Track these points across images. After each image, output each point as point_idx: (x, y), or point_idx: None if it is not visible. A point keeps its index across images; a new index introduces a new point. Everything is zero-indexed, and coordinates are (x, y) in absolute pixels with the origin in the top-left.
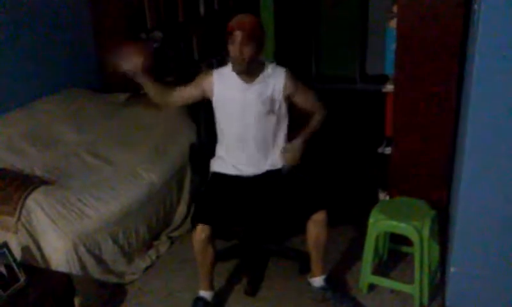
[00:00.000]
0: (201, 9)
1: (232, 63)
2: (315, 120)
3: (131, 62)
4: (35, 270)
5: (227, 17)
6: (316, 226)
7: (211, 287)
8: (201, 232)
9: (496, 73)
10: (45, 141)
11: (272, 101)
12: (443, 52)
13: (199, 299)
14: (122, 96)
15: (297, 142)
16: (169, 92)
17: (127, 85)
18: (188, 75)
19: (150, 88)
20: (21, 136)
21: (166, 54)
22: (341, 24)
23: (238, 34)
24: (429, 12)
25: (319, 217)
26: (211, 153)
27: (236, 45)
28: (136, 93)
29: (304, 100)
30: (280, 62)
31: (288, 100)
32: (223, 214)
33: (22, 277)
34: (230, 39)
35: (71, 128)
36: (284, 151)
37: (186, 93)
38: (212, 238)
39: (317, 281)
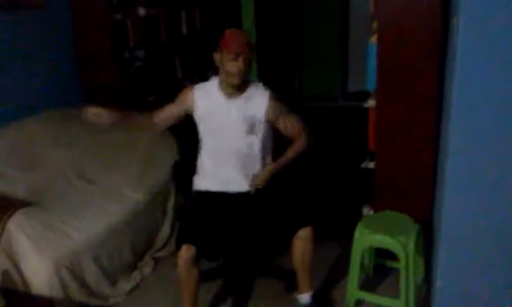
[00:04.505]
0: (184, 29)
1: (230, 77)
2: (293, 150)
3: (97, 119)
4: (15, 294)
5: (209, 37)
6: (301, 243)
7: None
8: (186, 252)
9: (476, 88)
10: (28, 161)
11: (253, 121)
12: (423, 67)
13: None
14: None
15: (266, 170)
16: (147, 119)
17: (109, 104)
18: (170, 95)
19: (123, 125)
20: (3, 157)
21: (148, 73)
22: (322, 44)
23: (242, 54)
24: (408, 27)
25: (304, 234)
26: (194, 170)
27: (239, 62)
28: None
29: (286, 126)
30: (263, 82)
31: (271, 124)
32: (208, 233)
33: (2, 303)
34: (233, 58)
35: (54, 148)
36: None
37: (169, 113)
38: (196, 259)
39: (304, 298)
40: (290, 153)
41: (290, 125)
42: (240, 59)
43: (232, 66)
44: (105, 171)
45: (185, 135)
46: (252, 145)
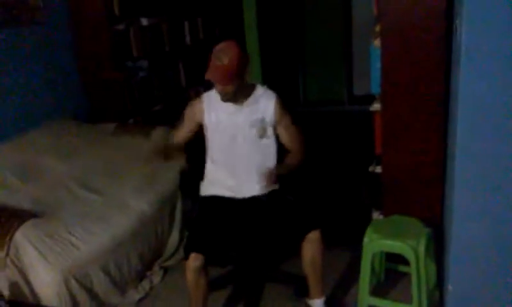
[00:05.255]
0: (187, 38)
1: (219, 95)
2: (289, 160)
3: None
4: (25, 306)
5: (212, 45)
6: (311, 246)
7: None
8: (194, 261)
9: (481, 88)
10: (33, 173)
11: (263, 124)
12: (428, 68)
13: None
14: (109, 126)
15: (272, 171)
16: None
17: (113, 114)
18: (176, 103)
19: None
20: (8, 170)
21: (152, 82)
22: (326, 48)
23: (217, 81)
24: (411, 29)
25: (313, 237)
26: (201, 177)
27: (218, 85)
28: (123, 123)
29: (286, 133)
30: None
31: (274, 127)
32: (216, 240)
33: None
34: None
35: (59, 159)
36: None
37: (186, 132)
38: (205, 268)
39: (317, 303)
40: (288, 162)
41: (290, 134)
42: (218, 85)
43: (219, 88)
44: (109, 181)
45: (191, 142)
46: (266, 148)
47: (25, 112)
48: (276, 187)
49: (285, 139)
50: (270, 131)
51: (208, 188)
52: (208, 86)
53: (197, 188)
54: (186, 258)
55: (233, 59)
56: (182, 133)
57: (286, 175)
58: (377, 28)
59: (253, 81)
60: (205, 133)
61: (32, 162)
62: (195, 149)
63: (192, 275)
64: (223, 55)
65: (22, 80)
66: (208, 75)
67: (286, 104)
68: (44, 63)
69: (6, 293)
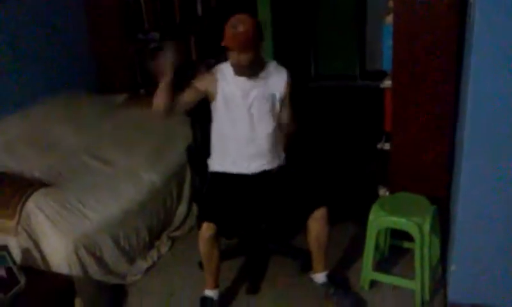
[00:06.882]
0: (199, 9)
1: (233, 68)
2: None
3: (169, 62)
4: (35, 272)
5: (225, 15)
6: (317, 223)
7: (217, 285)
8: (206, 230)
9: (492, 69)
10: (44, 143)
11: (273, 99)
12: (440, 46)
13: (205, 298)
14: (120, 97)
15: None
16: (175, 101)
17: (124, 86)
18: (185, 76)
19: (167, 92)
20: (20, 139)
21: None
22: (339, 22)
23: (234, 48)
24: (424, 7)
25: (319, 214)
26: (208, 152)
27: (234, 55)
28: (133, 94)
29: (283, 110)
30: (278, 61)
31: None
32: (227, 212)
33: (22, 280)
34: (228, 49)
35: (70, 130)
36: None
37: (189, 98)
38: (217, 238)
39: (319, 277)
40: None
41: (289, 110)
42: (234, 54)
43: (230, 56)
44: (120, 153)
45: (198, 116)
46: (272, 123)
47: (35, 84)
48: (283, 162)
49: (283, 114)
50: (278, 105)
51: (217, 163)
52: (220, 60)
53: (205, 165)
54: (199, 227)
55: (250, 27)
56: (186, 98)
57: (294, 150)
58: (390, 3)
59: (266, 52)
60: (213, 107)
61: (43, 132)
62: (201, 127)
63: (205, 245)
64: (240, 23)
65: (31, 51)
66: (226, 42)
67: (297, 77)
68: (54, 34)
69: (17, 259)
